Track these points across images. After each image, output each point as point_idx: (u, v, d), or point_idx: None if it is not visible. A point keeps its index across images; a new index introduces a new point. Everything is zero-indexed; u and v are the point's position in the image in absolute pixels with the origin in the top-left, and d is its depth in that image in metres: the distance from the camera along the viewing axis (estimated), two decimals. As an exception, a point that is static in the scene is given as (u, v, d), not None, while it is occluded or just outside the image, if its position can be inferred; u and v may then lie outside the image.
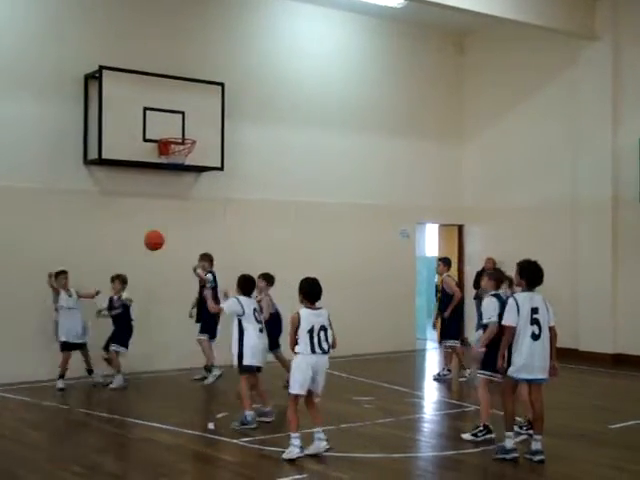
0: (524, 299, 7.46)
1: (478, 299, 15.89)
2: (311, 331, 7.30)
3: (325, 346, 7.37)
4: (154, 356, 12.48)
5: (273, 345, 10.20)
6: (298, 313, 7.36)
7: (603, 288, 13.83)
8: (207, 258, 11.73)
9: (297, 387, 7.36)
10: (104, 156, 11.89)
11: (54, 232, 11.95)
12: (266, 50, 14.22)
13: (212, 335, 11.64)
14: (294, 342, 7.37)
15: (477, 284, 15.95)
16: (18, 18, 11.85)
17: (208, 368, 11.63)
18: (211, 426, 8.63)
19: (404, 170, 15.86)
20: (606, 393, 11.35)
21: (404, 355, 14.87)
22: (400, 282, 15.66)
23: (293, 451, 7.28)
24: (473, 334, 15.97)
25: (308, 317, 7.34)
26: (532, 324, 7.34)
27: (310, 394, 7.48)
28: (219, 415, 9.13)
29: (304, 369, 7.30)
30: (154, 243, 10.15)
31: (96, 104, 11.94)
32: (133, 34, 12.70)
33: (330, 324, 7.50)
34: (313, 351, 7.30)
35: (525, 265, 7.71)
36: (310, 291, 7.53)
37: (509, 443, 7.43)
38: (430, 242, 18.97)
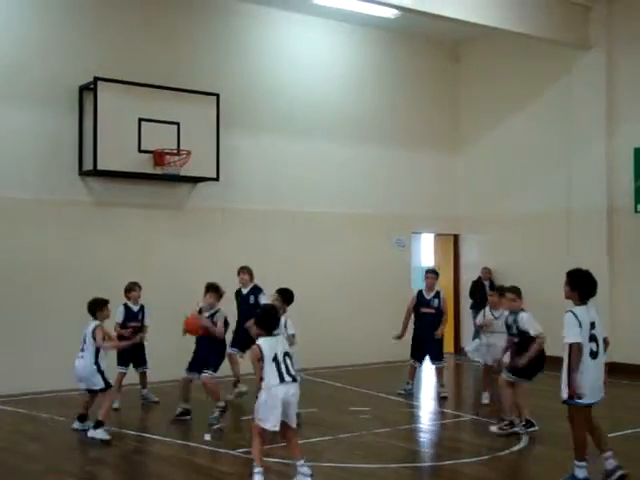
0: (582, 313, 6.71)
1: (474, 309, 15.93)
2: (276, 359, 6.62)
3: (293, 372, 6.69)
4: (152, 368, 12.42)
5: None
6: (258, 345, 6.68)
7: (598, 298, 13.66)
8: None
9: (267, 422, 6.58)
10: (99, 167, 11.88)
11: (49, 243, 11.93)
12: (261, 60, 14.24)
13: (242, 349, 11.08)
14: (260, 377, 6.64)
15: (473, 294, 15.98)
16: (12, 30, 11.85)
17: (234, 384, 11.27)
18: (207, 437, 8.60)
19: (399, 180, 15.87)
20: (603, 402, 11.32)
21: (400, 365, 14.82)
22: (396, 292, 15.63)
23: None
24: (470, 344, 16.05)
25: (269, 345, 6.68)
26: (590, 341, 6.65)
27: (285, 426, 6.75)
28: (216, 426, 9.09)
29: (274, 403, 6.54)
30: (191, 330, 9.55)
31: (91, 115, 11.94)
32: (128, 45, 12.71)
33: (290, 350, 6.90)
34: (282, 380, 6.58)
35: (578, 275, 6.96)
36: (266, 320, 6.89)
37: (581, 473, 6.66)
38: (426, 252, 18.96)
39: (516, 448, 8.21)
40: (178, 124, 12.61)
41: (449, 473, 7.51)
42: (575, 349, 6.53)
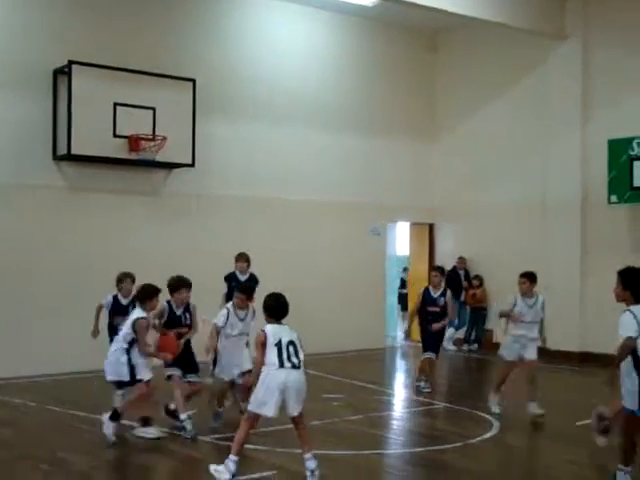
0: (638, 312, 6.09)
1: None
2: (279, 344, 6.51)
3: (295, 360, 6.53)
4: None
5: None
6: (263, 330, 6.59)
7: (571, 288, 13.97)
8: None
9: (257, 405, 6.47)
10: (73, 152, 11.79)
11: (22, 228, 11.83)
12: (238, 46, 14.17)
13: None
14: (262, 362, 6.53)
15: (448, 283, 16.03)
16: (-14, 11, 11.71)
17: None
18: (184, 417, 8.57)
19: (376, 168, 15.90)
20: (574, 391, 11.47)
21: (374, 353, 14.91)
22: (371, 280, 15.71)
23: (222, 476, 6.50)
24: (447, 331, 16.19)
25: (275, 331, 6.59)
26: None
27: (293, 416, 6.61)
28: (189, 412, 9.07)
29: (270, 386, 6.43)
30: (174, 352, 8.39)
31: (65, 99, 11.83)
32: (103, 28, 12.58)
33: (300, 344, 6.69)
34: (282, 365, 6.45)
35: (631, 274, 6.31)
36: (275, 307, 6.74)
37: (622, 478, 6.30)
38: (401, 240, 19.03)
39: (487, 435, 8.29)
40: (154, 109, 12.53)
41: (420, 460, 7.57)
42: (627, 345, 5.99)
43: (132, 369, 7.85)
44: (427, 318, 10.91)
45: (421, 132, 16.70)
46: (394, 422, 9.39)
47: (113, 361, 7.93)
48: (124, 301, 9.32)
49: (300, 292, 14.22)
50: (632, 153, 12.97)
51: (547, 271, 14.54)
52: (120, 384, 8.09)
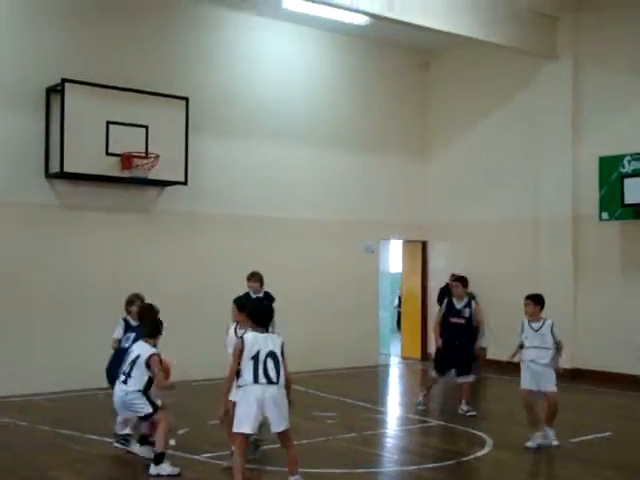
0: None
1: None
2: (255, 358, 6.22)
3: (272, 374, 6.23)
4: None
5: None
6: (242, 338, 6.35)
7: (563, 304, 13.98)
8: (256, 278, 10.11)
9: (242, 425, 6.22)
10: (66, 169, 11.78)
11: (15, 246, 11.79)
12: (231, 65, 14.23)
13: None
14: (235, 371, 6.31)
15: (440, 300, 16.05)
16: (-21, 30, 11.73)
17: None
18: (172, 442, 8.53)
19: (369, 186, 15.94)
20: (565, 407, 11.44)
21: (367, 370, 14.88)
22: (364, 297, 15.71)
23: None
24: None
25: (254, 341, 6.31)
26: None
27: (280, 435, 6.42)
28: (180, 431, 9.03)
29: (248, 403, 6.19)
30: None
31: (58, 117, 11.83)
32: (96, 47, 12.62)
33: (282, 353, 6.40)
34: (256, 380, 6.19)
35: None
36: (257, 311, 6.56)
37: None
38: (394, 258, 19.05)
39: (480, 454, 8.27)
40: (147, 127, 12.54)
41: (413, 478, 7.54)
42: None
43: (152, 403, 7.47)
44: (448, 330, 10.57)
45: (413, 150, 16.76)
46: (388, 440, 9.36)
47: (128, 404, 7.43)
48: (134, 323, 8.76)
49: (293, 309, 14.32)
50: (623, 170, 13.04)
51: (538, 288, 14.54)
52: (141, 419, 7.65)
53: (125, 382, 7.43)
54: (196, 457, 7.93)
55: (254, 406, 6.18)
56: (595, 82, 14.05)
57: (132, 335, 8.45)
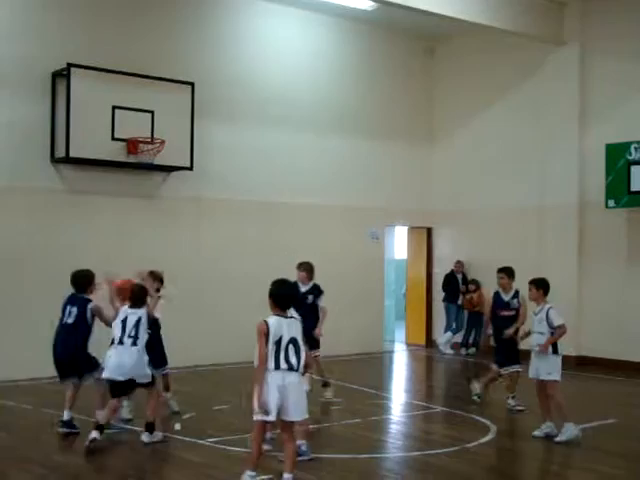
0: None
1: (446, 302, 16.05)
2: (278, 343, 6.09)
3: (294, 361, 6.10)
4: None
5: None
6: (266, 321, 6.14)
7: (568, 292, 13.96)
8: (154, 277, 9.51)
9: (258, 411, 6.09)
10: (72, 154, 11.78)
11: (21, 230, 11.82)
12: (237, 50, 14.18)
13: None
14: (264, 356, 6.09)
15: (445, 287, 16.09)
16: (-15, 14, 11.71)
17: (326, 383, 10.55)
18: (177, 427, 8.58)
19: (374, 172, 15.90)
20: (571, 395, 11.46)
21: (372, 357, 14.91)
22: (369, 284, 15.71)
23: None
24: (442, 336, 16.21)
25: (277, 326, 6.14)
26: None
27: (282, 425, 6.24)
28: (186, 416, 9.08)
29: (268, 389, 6.05)
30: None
31: (64, 102, 11.82)
32: (102, 32, 12.58)
33: (302, 339, 6.29)
34: (277, 367, 6.06)
35: None
36: (278, 294, 6.31)
37: None
38: (399, 244, 19.04)
39: (484, 440, 8.28)
40: (152, 112, 12.53)
41: (417, 464, 7.56)
42: None
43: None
44: (498, 323, 10.05)
45: (420, 136, 16.71)
46: (392, 426, 9.38)
47: (138, 366, 7.89)
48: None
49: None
50: (630, 158, 12.99)
51: (544, 275, 14.53)
52: (132, 386, 8.00)
53: (135, 344, 7.92)
54: (201, 442, 7.96)
55: (275, 392, 6.04)
56: (602, 69, 13.98)
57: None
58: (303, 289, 10.21)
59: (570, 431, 8.10)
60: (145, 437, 7.87)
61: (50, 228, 12.05)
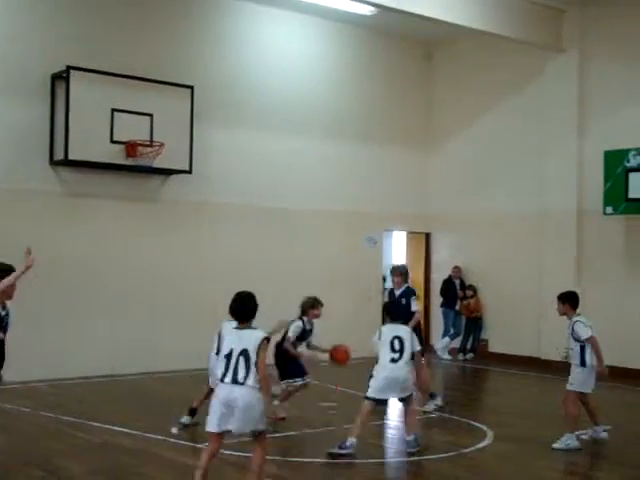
0: None
1: (444, 307, 16.05)
2: (229, 355, 5.89)
3: (241, 375, 5.81)
4: (119, 360, 12.38)
5: None
6: (219, 333, 6.18)
7: (567, 297, 13.97)
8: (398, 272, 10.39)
9: (209, 424, 5.96)
10: (70, 157, 11.79)
11: (19, 233, 11.78)
12: (237, 54, 14.20)
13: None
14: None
15: (444, 292, 16.08)
16: (-15, 16, 11.71)
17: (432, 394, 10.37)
18: (174, 430, 8.58)
19: (372, 177, 15.91)
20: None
21: (369, 361, 14.83)
22: (367, 289, 15.70)
23: None
24: (440, 342, 16.19)
25: (231, 337, 6.02)
26: None
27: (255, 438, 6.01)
28: (182, 420, 9.06)
29: (214, 402, 5.93)
30: (341, 358, 9.50)
31: (63, 104, 11.83)
32: (102, 35, 12.60)
33: (258, 351, 5.89)
34: (222, 379, 5.87)
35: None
36: (230, 306, 6.18)
37: None
38: (397, 250, 19.03)
39: (481, 445, 8.29)
40: (151, 115, 12.54)
41: (414, 469, 7.58)
42: None
43: None
44: None
45: (418, 141, 16.73)
46: (389, 431, 9.36)
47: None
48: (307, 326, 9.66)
49: (296, 301, 14.32)
50: (628, 165, 13.00)
51: (542, 281, 14.60)
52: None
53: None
54: (197, 446, 7.94)
55: (218, 408, 5.88)
56: (601, 76, 14.01)
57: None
58: (397, 292, 10.36)
59: (569, 441, 8.12)
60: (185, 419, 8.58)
61: (48, 230, 12.03)
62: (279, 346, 9.23)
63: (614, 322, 13.60)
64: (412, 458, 7.85)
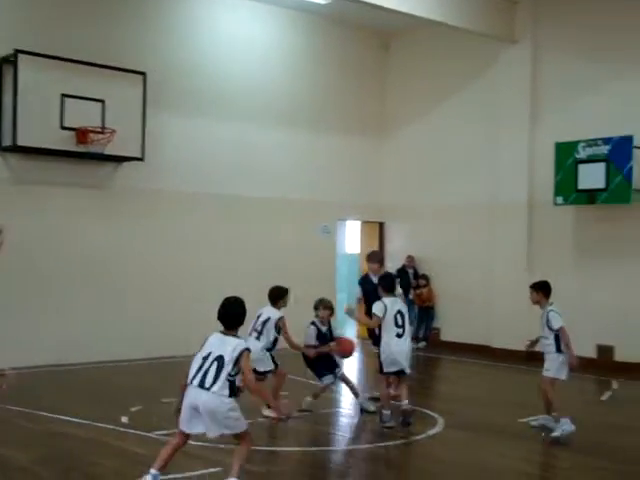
0: None
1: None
2: (205, 358, 5.89)
3: (208, 380, 5.78)
4: (67, 349, 12.22)
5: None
6: (206, 337, 6.06)
7: (517, 288, 14.10)
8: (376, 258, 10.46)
9: (180, 423, 5.97)
10: (19, 143, 11.56)
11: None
12: (190, 41, 14.06)
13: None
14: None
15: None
16: None
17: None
18: (125, 419, 8.50)
19: (326, 166, 15.93)
20: (518, 389, 11.63)
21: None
22: (321, 278, 15.71)
23: None
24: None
25: (213, 340, 6.00)
26: None
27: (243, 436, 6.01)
28: (133, 409, 8.99)
29: (185, 402, 5.92)
30: (345, 350, 9.62)
31: (11, 89, 11.60)
32: (52, 18, 12.35)
33: (240, 362, 5.86)
34: (190, 381, 5.87)
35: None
36: (218, 311, 6.12)
37: None
38: (351, 239, 19.09)
39: (432, 432, 8.36)
40: (103, 102, 12.36)
41: (366, 456, 7.60)
42: None
43: (273, 358, 9.21)
44: None
45: (373, 130, 16.78)
46: (341, 419, 9.40)
47: (255, 358, 8.16)
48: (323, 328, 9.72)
49: (248, 290, 14.24)
50: (578, 156, 13.19)
51: (493, 272, 14.77)
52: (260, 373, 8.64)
53: (258, 339, 8.98)
54: (148, 434, 7.88)
55: (187, 409, 5.89)
56: (553, 68, 14.18)
57: None
58: (375, 280, 9.89)
59: (565, 426, 8.15)
60: (266, 411, 8.57)
61: (-4, 218, 11.78)
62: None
63: (564, 310, 13.80)
64: (363, 445, 7.89)
